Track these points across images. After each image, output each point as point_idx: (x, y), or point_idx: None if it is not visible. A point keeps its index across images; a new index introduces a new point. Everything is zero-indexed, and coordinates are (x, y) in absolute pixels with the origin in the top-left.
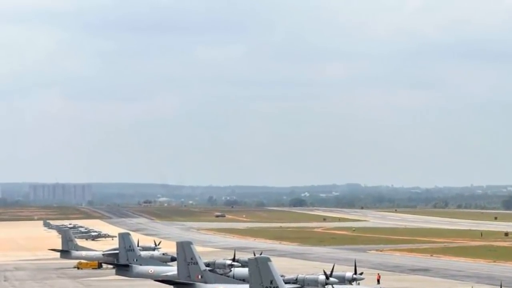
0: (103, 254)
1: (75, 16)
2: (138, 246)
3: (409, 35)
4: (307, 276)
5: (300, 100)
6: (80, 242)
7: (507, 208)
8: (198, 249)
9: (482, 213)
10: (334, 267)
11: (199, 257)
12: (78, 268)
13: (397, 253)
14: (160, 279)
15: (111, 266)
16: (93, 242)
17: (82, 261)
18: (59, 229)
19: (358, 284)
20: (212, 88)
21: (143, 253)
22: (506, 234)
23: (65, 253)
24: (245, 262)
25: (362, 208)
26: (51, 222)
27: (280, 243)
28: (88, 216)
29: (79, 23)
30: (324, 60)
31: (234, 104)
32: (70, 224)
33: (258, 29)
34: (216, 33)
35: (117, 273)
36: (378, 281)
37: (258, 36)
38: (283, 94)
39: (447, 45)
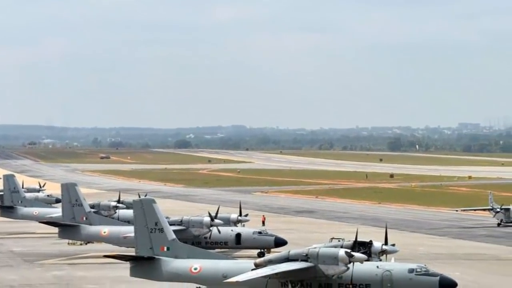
0: None
1: None
2: (22, 188)
3: None
4: (192, 218)
5: (187, 44)
6: None
7: (392, 149)
8: (83, 190)
9: (368, 154)
10: (219, 208)
11: (84, 199)
12: None
13: (282, 195)
14: (44, 220)
15: None
16: None
17: None
18: None
19: (243, 225)
20: (100, 32)
21: (27, 195)
22: (391, 175)
23: None
24: (130, 204)
25: (247, 149)
26: None
27: (165, 184)
28: None
29: None
30: (212, 3)
31: (122, 48)
32: None
33: None
34: None
35: (2, 215)
36: (263, 222)
37: None
38: (171, 38)
39: None
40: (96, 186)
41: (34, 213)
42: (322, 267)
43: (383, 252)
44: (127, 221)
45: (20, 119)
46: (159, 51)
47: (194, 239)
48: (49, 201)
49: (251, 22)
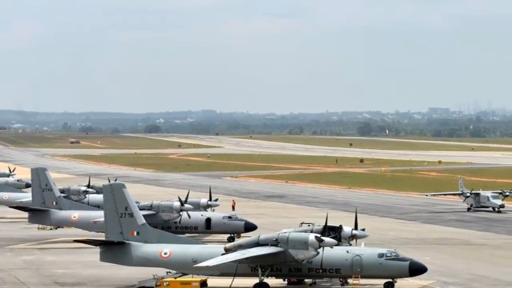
0: None
1: None
2: None
3: None
4: (162, 203)
5: (157, 28)
6: None
7: (362, 134)
8: (53, 175)
9: (337, 139)
10: (189, 193)
11: (54, 184)
12: None
13: (252, 180)
14: (14, 205)
15: None
16: None
17: None
18: None
19: (213, 210)
20: (69, 16)
21: None
22: (361, 160)
23: None
24: (100, 188)
25: (217, 134)
26: None
27: (135, 169)
28: None
29: None
30: None
31: (91, 32)
32: None
33: None
34: None
35: None
36: (233, 207)
37: None
38: (141, 22)
39: None
40: (66, 171)
41: (4, 198)
42: (292, 252)
43: (353, 236)
44: (97, 206)
45: None
46: (129, 35)
47: (164, 224)
48: (19, 186)
49: (221, 6)
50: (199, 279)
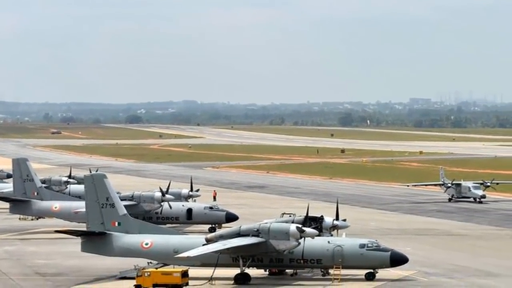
0: None
1: None
2: None
3: None
4: (143, 193)
5: (139, 19)
6: None
7: (344, 125)
8: (34, 166)
9: (319, 130)
10: (170, 184)
11: (35, 174)
12: None
13: (233, 170)
14: None
15: None
16: None
17: None
18: None
19: (194, 201)
20: (51, 7)
21: None
22: (342, 151)
23: None
24: (81, 179)
25: (198, 125)
26: None
27: (116, 160)
28: None
29: None
30: None
31: (73, 23)
32: None
33: None
34: None
35: None
36: (214, 198)
37: None
38: (123, 12)
39: None
40: (47, 161)
41: None
42: (273, 242)
43: (334, 227)
44: (78, 196)
45: None
46: (110, 26)
47: (145, 214)
48: (0, 176)
49: None
50: (180, 270)
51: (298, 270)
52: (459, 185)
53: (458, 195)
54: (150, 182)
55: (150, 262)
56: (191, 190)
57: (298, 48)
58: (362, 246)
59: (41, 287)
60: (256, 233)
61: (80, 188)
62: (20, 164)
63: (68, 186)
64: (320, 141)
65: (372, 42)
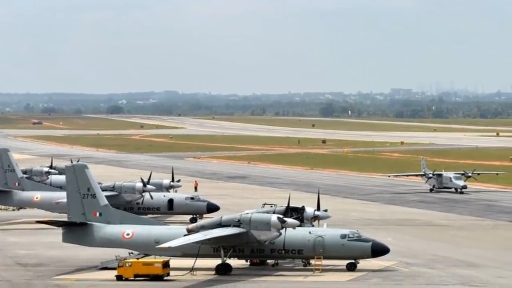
0: None
1: None
2: None
3: None
4: (124, 184)
5: (119, 9)
6: None
7: (325, 115)
8: (15, 156)
9: (300, 120)
10: (152, 174)
11: (16, 165)
12: None
13: (215, 161)
14: None
15: None
16: None
17: None
18: None
19: (176, 191)
20: None
21: None
22: (324, 141)
23: None
24: (62, 169)
25: (179, 115)
26: None
27: (98, 150)
28: None
29: None
30: None
31: (54, 13)
32: None
33: None
34: None
35: None
36: (196, 188)
37: None
38: (103, 3)
39: None
40: (29, 151)
41: None
42: (255, 232)
43: (316, 217)
44: (59, 187)
45: None
46: (91, 16)
47: (126, 204)
48: None
49: None
50: (162, 260)
51: (279, 261)
52: (440, 175)
53: (439, 185)
54: (131, 172)
55: (131, 253)
56: (172, 180)
57: (279, 39)
58: (343, 236)
59: (22, 277)
60: (238, 223)
61: (61, 178)
62: (1, 154)
63: (49, 176)
64: (301, 132)
65: (353, 33)
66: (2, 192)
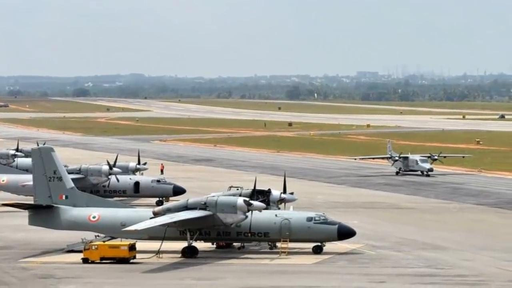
0: None
1: None
2: None
3: None
4: (90, 166)
5: None
6: None
7: (291, 98)
8: None
9: (266, 103)
10: (118, 157)
11: None
12: None
13: (181, 143)
14: None
15: None
16: None
17: None
18: None
19: (142, 174)
20: None
21: None
22: (290, 124)
23: None
24: (28, 152)
25: (145, 98)
26: None
27: (64, 133)
28: None
29: None
30: None
31: None
32: None
33: None
34: None
35: None
36: (162, 171)
37: None
38: None
39: None
40: None
41: None
42: (221, 215)
43: (282, 200)
44: (25, 170)
45: None
46: None
47: (92, 187)
48: None
49: None
50: (128, 243)
51: (245, 243)
52: (406, 158)
53: (406, 168)
54: (97, 155)
55: (98, 235)
56: (139, 163)
57: (245, 21)
58: (309, 219)
59: None
60: (204, 206)
61: (28, 161)
62: None
63: (15, 159)
64: (268, 114)
65: (319, 15)
66: None
